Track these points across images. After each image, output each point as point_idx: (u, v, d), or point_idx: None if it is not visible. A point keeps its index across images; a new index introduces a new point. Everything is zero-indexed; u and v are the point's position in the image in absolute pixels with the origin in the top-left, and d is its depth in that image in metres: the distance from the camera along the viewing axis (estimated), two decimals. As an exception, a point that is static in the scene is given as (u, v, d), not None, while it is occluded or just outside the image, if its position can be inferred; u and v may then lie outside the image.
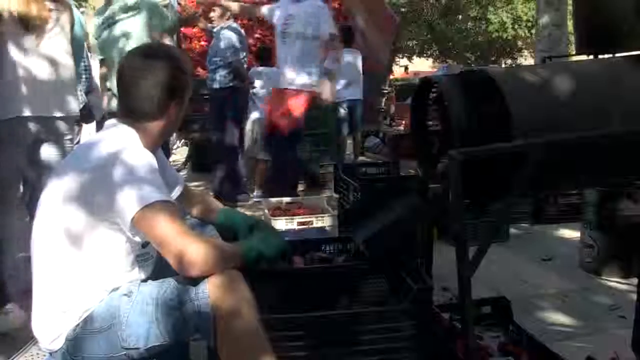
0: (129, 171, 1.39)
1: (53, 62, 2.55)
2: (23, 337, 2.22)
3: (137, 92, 1.53)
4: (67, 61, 2.62)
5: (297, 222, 3.75)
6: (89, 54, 4.43)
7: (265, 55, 5.31)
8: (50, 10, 2.52)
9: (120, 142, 1.47)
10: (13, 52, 2.45)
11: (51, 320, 1.44)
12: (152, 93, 1.53)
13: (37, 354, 2.14)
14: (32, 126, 2.48)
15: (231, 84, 4.76)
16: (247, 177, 5.30)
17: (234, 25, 5.03)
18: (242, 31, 5.10)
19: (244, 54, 5.07)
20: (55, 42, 2.55)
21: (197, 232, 1.47)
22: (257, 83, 5.06)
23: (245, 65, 5.06)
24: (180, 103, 1.60)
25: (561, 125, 1.45)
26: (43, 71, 2.51)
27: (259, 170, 5.17)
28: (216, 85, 4.80)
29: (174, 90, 1.56)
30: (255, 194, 5.05)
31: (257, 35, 6.84)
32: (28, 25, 2.44)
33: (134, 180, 1.38)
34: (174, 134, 7.67)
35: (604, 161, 1.53)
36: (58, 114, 2.56)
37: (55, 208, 1.44)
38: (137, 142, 1.50)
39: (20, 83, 2.46)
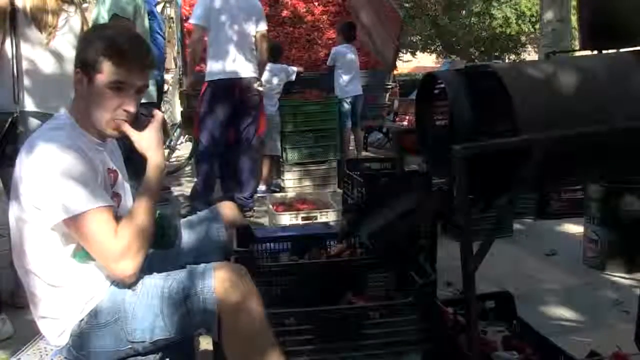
0: (62, 175, 1.34)
1: (61, 60, 2.57)
2: (32, 331, 2.23)
3: None
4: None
5: (302, 217, 3.77)
6: None
7: (275, 53, 5.29)
8: (63, 9, 2.54)
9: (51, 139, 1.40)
10: (24, 47, 2.47)
11: (55, 315, 1.44)
12: None
13: (45, 348, 2.16)
14: (35, 122, 2.49)
15: None
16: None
17: None
18: None
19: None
20: (65, 40, 2.56)
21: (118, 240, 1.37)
22: (263, 80, 5.06)
23: None
24: None
25: (565, 121, 1.45)
26: (50, 67, 2.53)
27: (264, 165, 5.18)
28: None
29: None
30: (260, 189, 5.06)
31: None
32: (41, 21, 2.46)
33: (65, 185, 1.34)
34: (178, 130, 7.68)
35: (608, 157, 1.53)
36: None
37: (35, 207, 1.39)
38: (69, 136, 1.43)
39: (27, 78, 2.48)
